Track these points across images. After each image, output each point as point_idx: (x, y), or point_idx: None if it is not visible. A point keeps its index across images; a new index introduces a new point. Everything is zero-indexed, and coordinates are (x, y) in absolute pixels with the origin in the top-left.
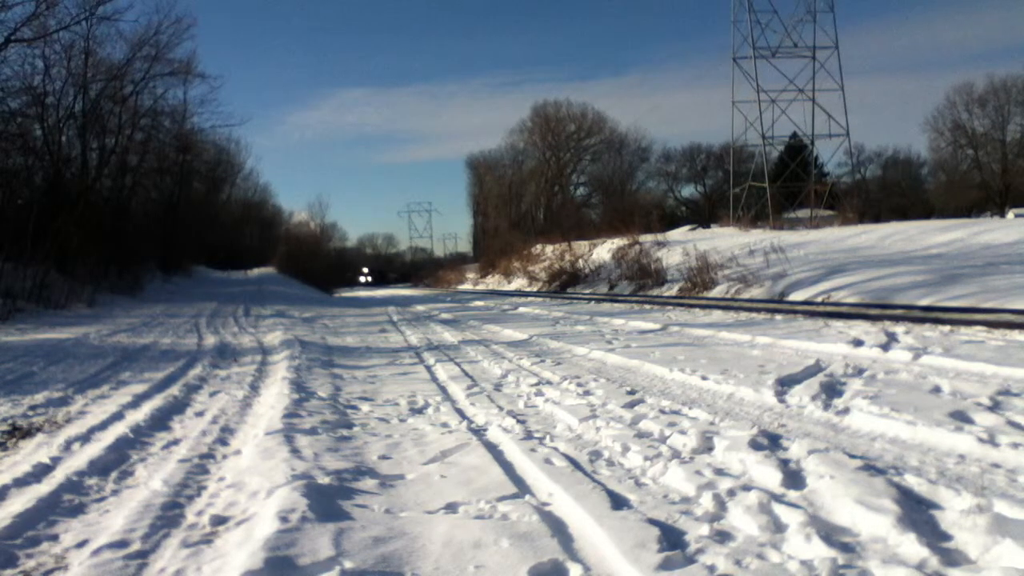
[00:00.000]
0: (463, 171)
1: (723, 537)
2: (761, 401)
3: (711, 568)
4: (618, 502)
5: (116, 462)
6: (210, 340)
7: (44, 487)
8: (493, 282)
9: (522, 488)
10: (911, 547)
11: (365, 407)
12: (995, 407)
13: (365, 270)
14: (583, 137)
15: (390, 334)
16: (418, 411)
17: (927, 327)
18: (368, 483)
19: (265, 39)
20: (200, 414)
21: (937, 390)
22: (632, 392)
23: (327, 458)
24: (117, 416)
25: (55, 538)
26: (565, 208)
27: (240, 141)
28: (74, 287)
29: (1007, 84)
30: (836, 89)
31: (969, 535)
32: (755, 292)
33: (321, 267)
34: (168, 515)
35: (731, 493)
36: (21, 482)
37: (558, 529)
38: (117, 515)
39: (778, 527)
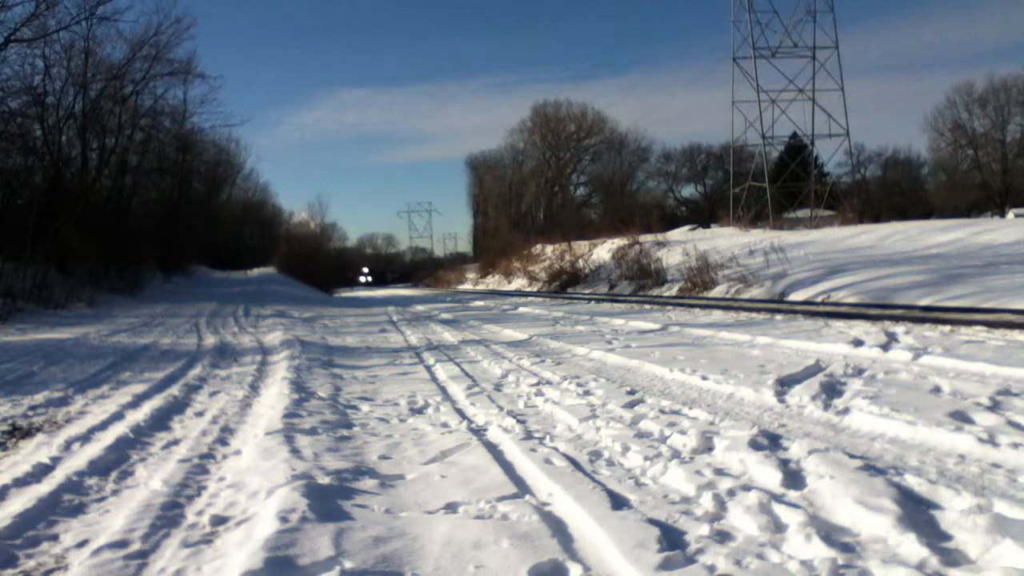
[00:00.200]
0: (463, 171)
1: (723, 537)
2: (761, 401)
3: (711, 568)
4: (618, 502)
5: (116, 462)
6: (210, 340)
7: (44, 487)
8: (493, 282)
9: (522, 488)
10: (911, 547)
11: (365, 407)
12: (995, 407)
13: (365, 270)
14: (583, 137)
15: (390, 334)
16: (418, 411)
17: (927, 327)
18: (368, 483)
19: (265, 39)
20: (200, 414)
21: (937, 390)
22: (632, 392)
23: (327, 458)
24: (117, 416)
25: (55, 538)
26: (565, 208)
27: (240, 141)
28: (74, 287)
29: (1007, 84)
30: (836, 89)
31: (969, 535)
32: (755, 292)
33: (321, 267)
34: (168, 515)
35: (731, 493)
36: (21, 482)
37: (558, 529)
38: (117, 515)
39: (778, 527)
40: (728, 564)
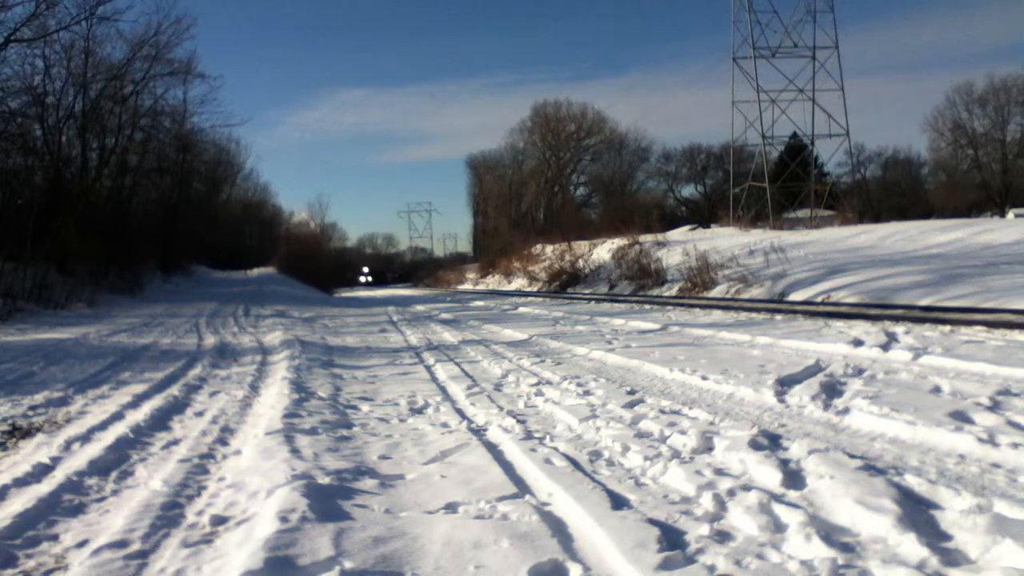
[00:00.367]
0: (463, 171)
1: (723, 537)
2: (761, 401)
3: (711, 568)
4: (618, 502)
5: (116, 462)
6: (210, 340)
7: (44, 487)
8: (493, 282)
9: (522, 488)
10: (911, 547)
11: (365, 407)
12: (995, 407)
13: (365, 270)
14: (583, 137)
15: (390, 334)
16: (418, 411)
17: (927, 327)
18: (368, 483)
19: (265, 39)
20: (200, 414)
21: (937, 390)
22: (632, 392)
23: (327, 458)
24: (117, 416)
25: (55, 538)
26: (565, 208)
27: (240, 141)
28: (74, 287)
29: (1007, 84)
30: (836, 89)
31: (969, 535)
32: (755, 292)
33: (321, 267)
34: (168, 515)
35: (731, 493)
36: (21, 482)
37: (558, 529)
38: (117, 515)
39: (778, 527)
40: (728, 564)
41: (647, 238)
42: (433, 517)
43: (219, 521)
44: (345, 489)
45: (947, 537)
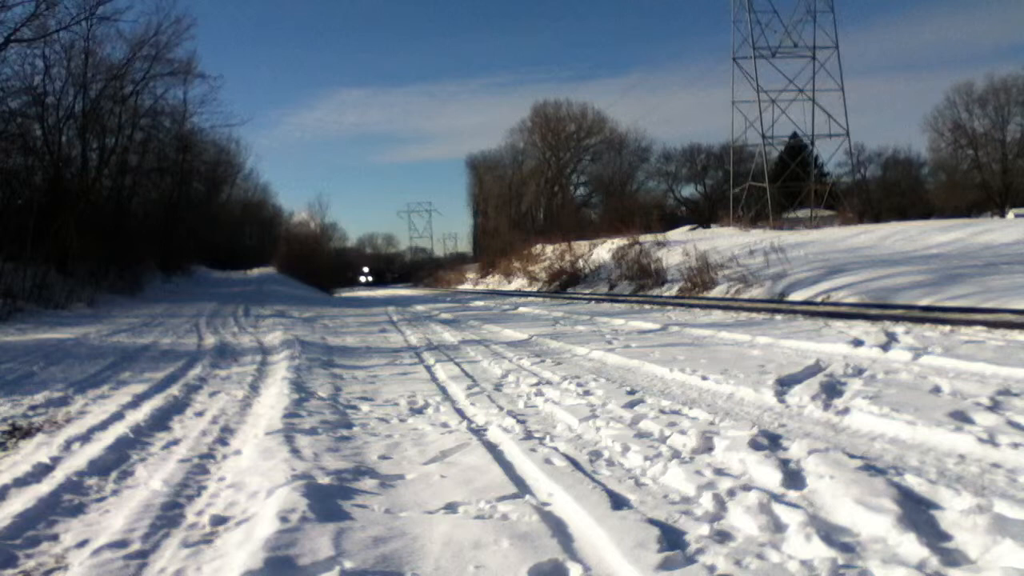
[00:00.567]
0: (463, 171)
1: (723, 537)
2: (761, 401)
3: (711, 568)
4: (618, 502)
5: (116, 462)
6: (210, 340)
7: (44, 487)
8: (493, 282)
9: (522, 488)
10: (911, 547)
11: (365, 407)
12: (995, 407)
13: (365, 270)
14: (583, 137)
15: (390, 334)
16: (418, 411)
17: (927, 327)
18: (368, 483)
19: (265, 39)
20: (200, 414)
21: (937, 390)
22: (632, 392)
23: (327, 458)
24: (117, 416)
25: (55, 538)
26: (565, 208)
27: (240, 141)
28: (74, 287)
29: (1007, 84)
30: (836, 89)
31: (969, 535)
32: (755, 292)
33: (321, 267)
34: (168, 515)
35: (731, 493)
36: (21, 482)
37: (558, 529)
38: (117, 515)
39: (778, 527)
40: (728, 564)
41: (647, 238)
42: (433, 517)
43: (219, 521)
44: (345, 489)
45: (947, 537)
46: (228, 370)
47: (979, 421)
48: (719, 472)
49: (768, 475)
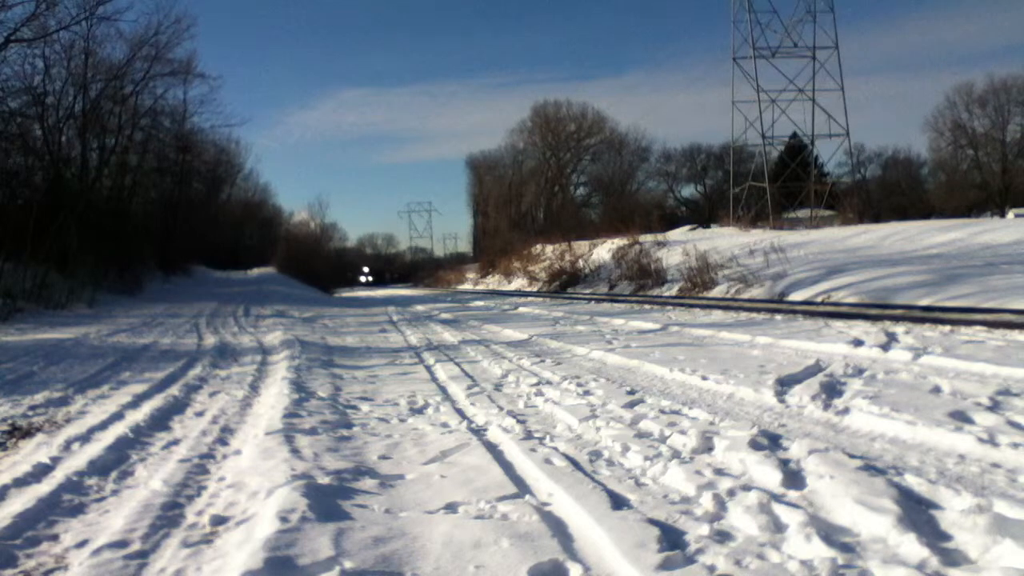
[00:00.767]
0: (463, 171)
1: (723, 537)
2: (761, 401)
3: (711, 568)
4: (618, 502)
5: (116, 462)
6: (210, 340)
7: (44, 487)
8: (493, 282)
9: (522, 488)
10: (911, 547)
11: (365, 407)
12: (995, 407)
13: (365, 270)
14: (583, 137)
15: (390, 334)
16: (418, 411)
17: (927, 327)
18: (368, 483)
19: (265, 39)
20: (200, 414)
21: (937, 390)
22: (632, 392)
23: (327, 458)
24: (117, 416)
25: (55, 538)
26: (565, 208)
27: (240, 141)
28: (74, 287)
29: (1007, 84)
30: (836, 89)
31: (969, 535)
32: (755, 292)
33: (321, 267)
34: (168, 515)
35: (731, 493)
36: (21, 482)
37: (558, 529)
38: (117, 515)
39: (778, 527)
40: (728, 564)
41: (647, 238)
42: (433, 517)
43: (219, 521)
44: (345, 489)
45: (947, 537)
46: (228, 370)
47: (979, 421)
48: (719, 472)
49: (768, 475)
